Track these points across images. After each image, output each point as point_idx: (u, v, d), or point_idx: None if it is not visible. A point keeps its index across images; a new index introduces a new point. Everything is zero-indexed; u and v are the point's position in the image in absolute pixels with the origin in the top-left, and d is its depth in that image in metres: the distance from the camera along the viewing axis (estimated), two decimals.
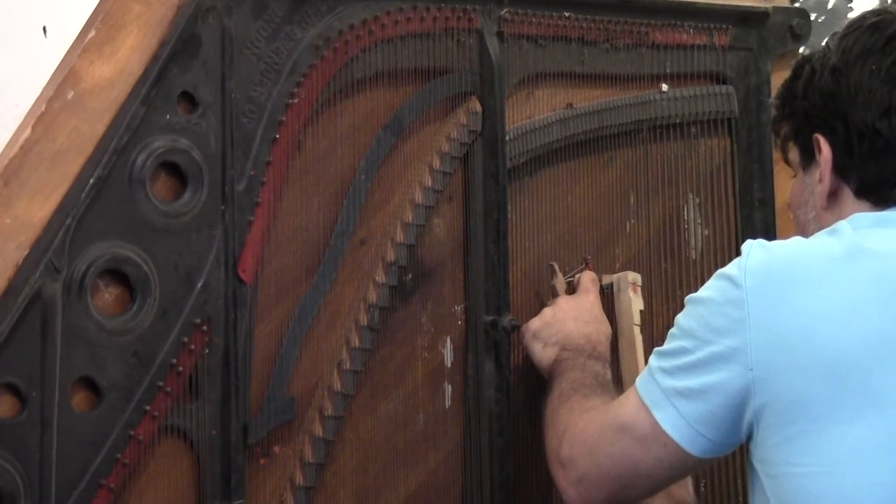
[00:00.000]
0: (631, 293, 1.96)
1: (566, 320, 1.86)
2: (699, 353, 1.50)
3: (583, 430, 1.64)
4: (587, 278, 1.94)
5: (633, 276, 1.97)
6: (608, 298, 1.97)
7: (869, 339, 1.41)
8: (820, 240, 1.51)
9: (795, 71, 1.64)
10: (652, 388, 1.54)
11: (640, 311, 1.96)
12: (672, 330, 1.56)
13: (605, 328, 1.90)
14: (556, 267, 1.95)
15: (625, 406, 1.59)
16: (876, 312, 1.43)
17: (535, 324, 1.88)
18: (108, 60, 1.54)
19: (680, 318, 1.55)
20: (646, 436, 1.55)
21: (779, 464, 1.45)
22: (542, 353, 1.85)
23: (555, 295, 1.93)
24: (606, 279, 1.98)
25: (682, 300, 1.57)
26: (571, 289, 1.95)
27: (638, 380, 1.58)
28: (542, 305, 1.92)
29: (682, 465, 1.56)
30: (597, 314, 1.90)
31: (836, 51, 1.57)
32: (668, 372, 1.53)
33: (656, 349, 1.57)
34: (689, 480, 1.87)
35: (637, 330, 1.95)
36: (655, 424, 1.53)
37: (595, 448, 1.61)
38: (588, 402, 1.70)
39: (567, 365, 1.81)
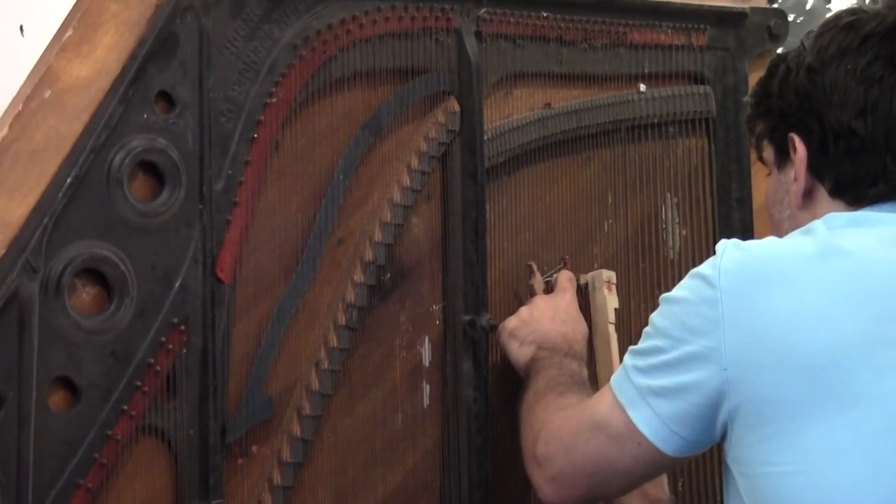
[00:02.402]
0: (606, 291, 1.96)
1: (543, 319, 1.87)
2: (674, 352, 1.50)
3: (558, 428, 1.65)
4: (564, 278, 1.94)
5: (608, 274, 1.98)
6: (585, 298, 1.98)
7: (844, 339, 1.41)
8: (794, 239, 1.51)
9: (770, 70, 1.64)
10: (626, 387, 1.55)
11: (615, 309, 1.96)
12: (647, 328, 1.56)
13: (582, 327, 1.90)
14: (534, 266, 1.95)
15: (600, 404, 1.59)
16: (850, 312, 1.42)
17: (511, 323, 1.88)
18: (85, 59, 1.54)
19: (654, 317, 1.55)
20: (620, 434, 1.55)
21: (754, 463, 1.45)
22: (519, 352, 1.86)
23: (532, 294, 1.93)
24: (583, 278, 1.98)
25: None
26: (549, 288, 1.95)
27: (613, 378, 1.58)
28: (521, 305, 1.92)
29: (657, 464, 1.56)
30: (573, 313, 1.91)
31: (811, 50, 1.57)
32: (643, 371, 1.53)
33: (631, 348, 1.57)
34: (664, 479, 1.88)
35: (612, 328, 1.95)
36: (630, 423, 1.54)
37: (570, 446, 1.62)
38: (564, 400, 1.70)
39: (543, 363, 1.81)
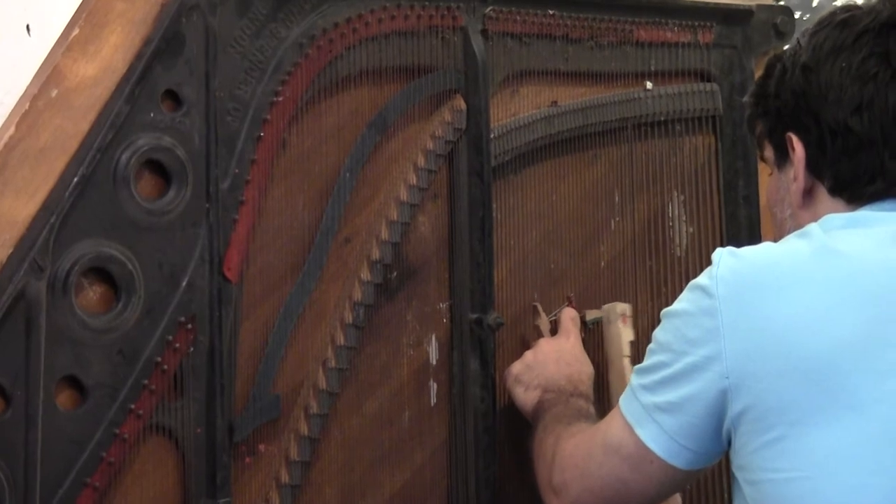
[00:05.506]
0: (620, 324, 1.93)
1: (547, 363, 1.86)
2: (676, 365, 1.49)
3: (571, 455, 1.63)
4: (567, 318, 1.93)
5: (623, 308, 1.95)
6: (593, 335, 1.96)
7: (842, 342, 1.40)
8: (789, 243, 1.50)
9: (767, 69, 1.63)
10: (634, 406, 1.53)
11: (630, 342, 1.93)
12: (650, 346, 1.55)
13: (587, 368, 1.89)
14: (539, 308, 1.94)
15: (611, 426, 1.58)
16: (848, 314, 1.41)
17: (516, 368, 1.87)
18: (91, 59, 1.54)
19: (657, 333, 1.54)
20: (632, 454, 1.54)
21: (758, 470, 1.44)
22: (525, 397, 1.85)
23: (539, 335, 1.92)
24: (592, 314, 1.96)
25: (667, 297, 1.57)
26: (556, 326, 1.94)
27: (621, 399, 1.57)
28: (527, 348, 1.91)
29: (671, 480, 1.55)
30: (578, 354, 1.89)
31: (806, 48, 1.56)
32: (648, 388, 1.52)
33: (636, 367, 1.56)
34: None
35: (627, 361, 1.92)
36: (639, 442, 1.52)
37: (585, 471, 1.60)
38: (572, 428, 1.69)
39: (549, 404, 1.80)
